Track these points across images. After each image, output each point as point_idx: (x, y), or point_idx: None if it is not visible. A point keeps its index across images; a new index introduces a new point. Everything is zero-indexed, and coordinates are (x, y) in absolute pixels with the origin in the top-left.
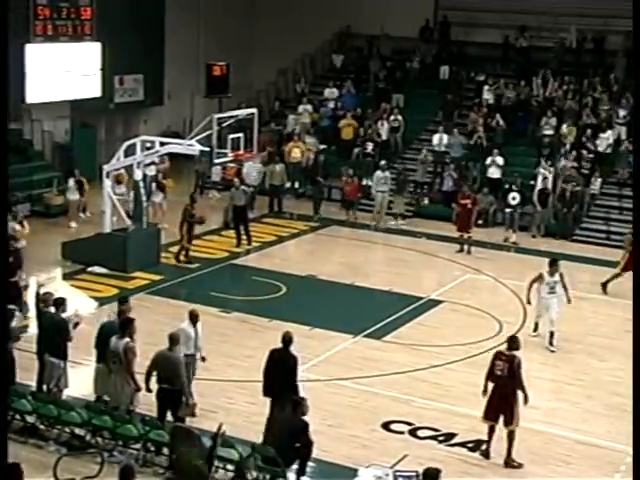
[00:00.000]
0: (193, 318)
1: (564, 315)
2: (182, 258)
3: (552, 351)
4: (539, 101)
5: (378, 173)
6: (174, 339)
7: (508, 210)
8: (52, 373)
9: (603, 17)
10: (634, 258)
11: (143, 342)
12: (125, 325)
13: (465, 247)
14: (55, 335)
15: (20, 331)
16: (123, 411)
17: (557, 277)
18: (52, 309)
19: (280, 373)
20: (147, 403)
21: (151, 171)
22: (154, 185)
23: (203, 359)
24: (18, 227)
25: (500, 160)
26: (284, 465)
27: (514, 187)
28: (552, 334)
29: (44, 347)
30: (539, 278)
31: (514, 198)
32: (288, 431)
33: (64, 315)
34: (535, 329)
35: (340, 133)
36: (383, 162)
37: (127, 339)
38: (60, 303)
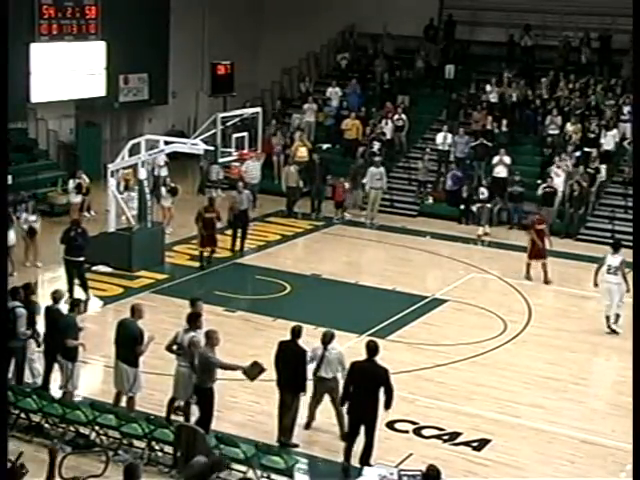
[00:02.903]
0: (325, 339)
1: (568, 314)
2: (206, 255)
3: (615, 332)
4: (544, 99)
5: (372, 169)
6: (209, 337)
7: (478, 205)
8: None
9: (609, 15)
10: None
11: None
12: (193, 319)
13: (531, 274)
14: (64, 336)
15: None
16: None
17: (617, 262)
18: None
19: (287, 366)
20: (153, 402)
21: (164, 171)
22: (163, 189)
23: None
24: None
25: (507, 159)
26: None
27: (483, 182)
28: (618, 316)
29: (54, 347)
30: (602, 262)
31: (482, 193)
32: (370, 379)
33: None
34: (615, 320)
35: (343, 133)
36: (377, 158)
37: (192, 333)
38: (75, 304)
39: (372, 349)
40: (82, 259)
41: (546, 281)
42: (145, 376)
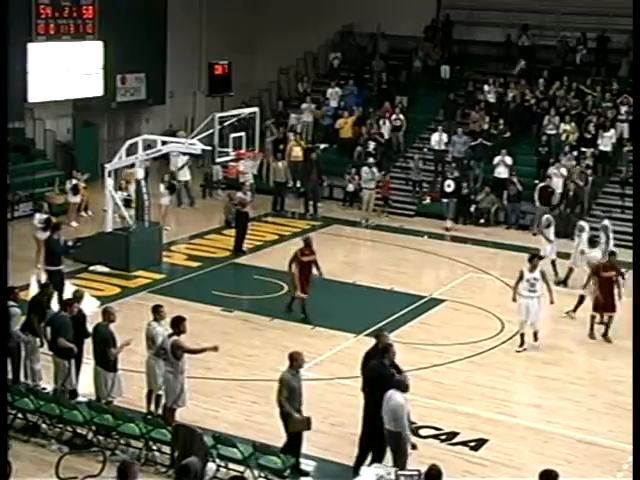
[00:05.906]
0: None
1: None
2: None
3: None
4: (542, 100)
5: (365, 169)
6: (294, 359)
7: (445, 200)
8: (58, 373)
9: (606, 16)
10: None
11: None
12: (175, 323)
13: (600, 329)
14: (60, 335)
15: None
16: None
17: (537, 274)
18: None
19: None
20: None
21: (185, 176)
22: (162, 186)
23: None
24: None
25: (509, 160)
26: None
27: (449, 175)
28: (535, 333)
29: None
30: (521, 276)
31: (449, 185)
32: (376, 379)
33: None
34: (521, 344)
35: (339, 132)
36: (370, 159)
37: (175, 337)
38: (67, 304)
39: (380, 348)
40: (62, 267)
41: (606, 337)
42: (143, 376)
